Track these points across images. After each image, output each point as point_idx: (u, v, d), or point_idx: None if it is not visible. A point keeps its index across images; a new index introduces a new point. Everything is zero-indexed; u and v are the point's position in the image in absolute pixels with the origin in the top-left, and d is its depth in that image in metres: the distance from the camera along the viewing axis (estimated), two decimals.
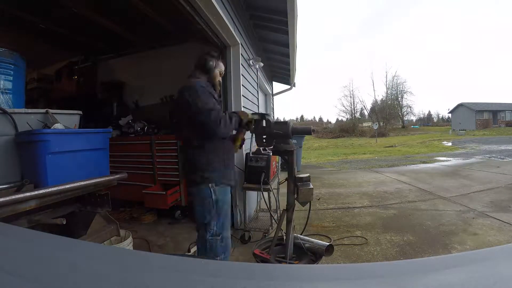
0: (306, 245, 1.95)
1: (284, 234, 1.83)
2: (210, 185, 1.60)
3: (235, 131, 1.84)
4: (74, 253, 0.38)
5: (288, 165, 1.79)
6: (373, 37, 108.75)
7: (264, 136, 1.81)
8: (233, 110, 1.86)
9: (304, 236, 2.12)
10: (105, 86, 4.73)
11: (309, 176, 1.76)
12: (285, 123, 1.77)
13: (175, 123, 1.84)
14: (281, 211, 3.40)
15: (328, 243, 1.96)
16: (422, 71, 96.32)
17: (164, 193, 3.18)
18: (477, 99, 48.94)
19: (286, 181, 1.86)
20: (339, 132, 34.46)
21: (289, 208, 1.77)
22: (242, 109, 3.01)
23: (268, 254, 1.90)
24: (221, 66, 1.96)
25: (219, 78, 1.94)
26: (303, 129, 1.92)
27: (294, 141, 1.96)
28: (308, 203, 1.79)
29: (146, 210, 3.55)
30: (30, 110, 1.62)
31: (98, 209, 1.74)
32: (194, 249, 2.58)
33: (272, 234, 2.73)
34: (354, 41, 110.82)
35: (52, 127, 1.59)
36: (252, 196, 3.45)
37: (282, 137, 1.73)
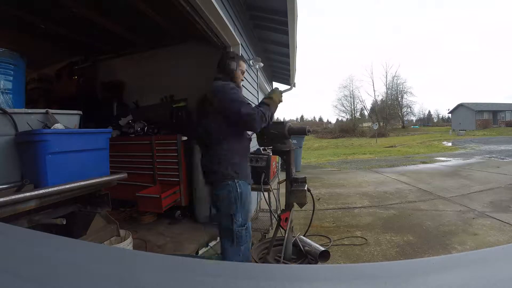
0: (306, 248, 1.93)
1: (285, 234, 1.81)
2: (235, 180, 1.73)
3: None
4: (74, 253, 0.38)
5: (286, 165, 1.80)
6: (373, 37, 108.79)
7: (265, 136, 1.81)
8: (264, 98, 1.85)
9: (306, 238, 2.10)
10: (105, 86, 4.73)
11: (305, 178, 1.74)
12: (281, 123, 1.78)
13: (203, 125, 1.87)
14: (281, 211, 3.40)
15: (323, 249, 1.94)
16: (422, 71, 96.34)
17: (158, 196, 3.05)
18: (477, 99, 48.99)
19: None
20: (339, 132, 34.49)
21: (287, 209, 1.76)
22: None
23: (266, 255, 1.89)
24: (243, 66, 1.99)
25: (242, 77, 2.00)
26: (299, 129, 1.91)
27: (294, 141, 1.96)
28: (312, 205, 1.79)
29: (146, 210, 3.55)
30: (30, 110, 1.62)
31: (98, 209, 1.74)
32: (202, 251, 2.59)
33: (271, 235, 2.73)
34: (354, 41, 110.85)
35: (52, 127, 1.59)
36: (252, 196, 3.45)
37: (279, 137, 1.73)
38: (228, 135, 1.75)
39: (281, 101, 1.85)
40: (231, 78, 1.91)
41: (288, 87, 7.74)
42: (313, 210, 1.92)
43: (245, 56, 3.57)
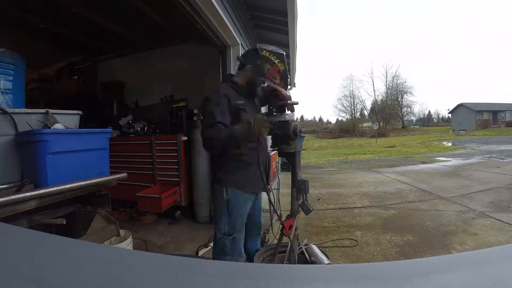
0: (312, 258, 1.90)
1: (290, 242, 1.71)
2: (224, 186, 1.62)
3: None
4: (74, 253, 0.38)
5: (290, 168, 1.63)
6: (373, 37, 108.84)
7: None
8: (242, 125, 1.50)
9: (315, 246, 2.05)
10: (105, 86, 4.74)
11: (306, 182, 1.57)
12: (285, 122, 1.60)
13: None
14: (281, 212, 3.40)
15: (329, 262, 1.90)
16: (422, 71, 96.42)
17: (158, 196, 3.05)
18: (477, 99, 48.96)
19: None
20: (339, 132, 34.51)
21: (292, 216, 1.66)
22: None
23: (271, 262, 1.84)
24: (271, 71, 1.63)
25: (246, 80, 1.67)
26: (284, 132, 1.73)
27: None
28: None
29: (146, 210, 3.55)
30: (30, 110, 1.62)
31: (98, 209, 1.74)
32: (202, 251, 2.59)
33: (271, 235, 2.72)
34: (354, 41, 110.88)
35: (52, 127, 1.58)
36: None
37: (283, 138, 1.62)
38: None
39: (265, 129, 1.48)
40: (234, 81, 1.68)
41: (288, 87, 7.74)
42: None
43: None
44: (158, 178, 3.55)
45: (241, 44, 3.30)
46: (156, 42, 4.27)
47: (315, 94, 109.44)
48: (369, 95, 72.99)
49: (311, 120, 62.48)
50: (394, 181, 5.79)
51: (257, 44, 1.69)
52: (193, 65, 4.09)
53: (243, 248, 1.73)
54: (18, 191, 1.34)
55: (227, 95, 1.56)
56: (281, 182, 3.39)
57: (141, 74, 4.53)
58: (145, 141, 3.63)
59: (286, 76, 1.68)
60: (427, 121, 54.42)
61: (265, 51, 1.63)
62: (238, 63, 1.74)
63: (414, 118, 49.03)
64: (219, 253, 1.65)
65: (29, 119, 1.58)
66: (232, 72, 3.13)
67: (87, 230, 1.75)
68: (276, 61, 1.64)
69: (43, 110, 1.66)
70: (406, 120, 44.78)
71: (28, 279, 0.30)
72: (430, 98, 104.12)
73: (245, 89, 1.67)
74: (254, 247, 1.91)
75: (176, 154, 3.39)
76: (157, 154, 3.53)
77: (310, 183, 1.62)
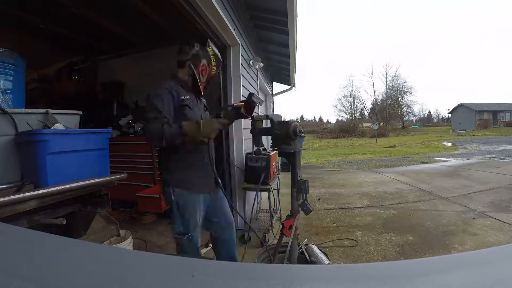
0: (312, 258, 1.91)
1: (289, 242, 1.72)
2: (171, 187, 1.57)
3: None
4: (74, 253, 0.38)
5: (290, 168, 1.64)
6: (373, 37, 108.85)
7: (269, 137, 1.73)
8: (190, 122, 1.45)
9: (315, 246, 2.06)
10: (105, 86, 4.74)
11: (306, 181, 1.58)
12: (285, 122, 1.65)
13: None
14: (280, 212, 3.40)
15: (329, 262, 1.90)
16: (422, 71, 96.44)
17: (158, 196, 2.99)
18: (477, 99, 49.00)
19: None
20: (339, 132, 34.50)
21: (292, 216, 1.66)
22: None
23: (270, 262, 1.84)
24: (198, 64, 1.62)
25: (192, 72, 1.64)
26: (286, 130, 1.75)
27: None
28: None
29: (146, 210, 3.55)
30: (30, 110, 1.62)
31: (98, 209, 1.74)
32: (202, 251, 2.58)
33: (271, 235, 2.72)
34: (354, 41, 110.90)
35: (52, 127, 1.58)
36: (252, 196, 3.46)
37: (283, 138, 1.64)
38: None
39: (215, 131, 1.45)
40: (178, 78, 1.65)
41: (288, 87, 7.74)
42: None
43: (245, 56, 3.56)
44: (158, 178, 3.54)
45: (241, 44, 3.30)
46: (156, 42, 4.27)
47: (315, 94, 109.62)
48: (369, 95, 73.03)
49: (311, 120, 62.50)
50: (394, 181, 5.79)
51: (208, 40, 1.70)
52: None
53: (199, 247, 1.71)
54: (18, 191, 1.34)
55: (171, 90, 1.53)
56: (281, 182, 3.40)
57: (141, 74, 4.53)
58: (145, 141, 3.62)
59: (212, 82, 1.77)
60: (427, 121, 54.43)
61: (210, 48, 1.66)
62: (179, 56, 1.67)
63: (414, 118, 49.07)
64: (180, 251, 1.66)
65: (29, 119, 1.58)
66: (231, 73, 3.14)
67: (87, 230, 1.75)
68: (213, 63, 1.68)
69: (43, 110, 1.66)
70: (406, 120, 44.78)
71: (28, 279, 0.30)
72: (430, 98, 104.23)
73: (189, 84, 1.64)
74: (228, 254, 1.84)
75: None
76: (157, 154, 3.52)
77: (310, 183, 1.61)
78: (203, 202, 1.66)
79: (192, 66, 1.62)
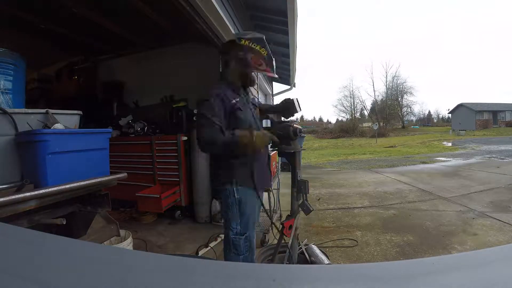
0: (312, 258, 1.91)
1: (289, 242, 1.71)
2: (233, 185, 1.57)
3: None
4: (74, 253, 0.38)
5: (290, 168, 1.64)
6: (373, 37, 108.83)
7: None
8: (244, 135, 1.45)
9: (315, 246, 2.05)
10: (105, 86, 4.74)
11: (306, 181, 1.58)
12: (285, 123, 1.67)
13: None
14: (280, 212, 3.40)
15: (329, 262, 1.90)
16: (422, 71, 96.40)
17: (158, 196, 3.05)
18: (477, 99, 48.95)
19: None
20: (339, 132, 34.54)
21: (292, 216, 1.66)
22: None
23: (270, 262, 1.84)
24: (241, 54, 1.59)
25: (246, 71, 1.63)
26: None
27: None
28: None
29: (146, 210, 3.55)
30: (30, 110, 1.62)
31: (98, 209, 1.74)
32: (202, 251, 2.59)
33: (271, 235, 2.72)
34: (354, 41, 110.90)
35: (52, 127, 1.58)
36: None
37: (284, 138, 1.64)
38: None
39: (265, 144, 1.53)
40: (226, 79, 1.64)
41: (288, 87, 7.73)
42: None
43: None
44: (158, 178, 3.55)
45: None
46: (156, 42, 4.27)
47: (315, 94, 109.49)
48: (369, 95, 72.98)
49: (311, 120, 62.49)
50: (394, 181, 5.79)
51: (234, 33, 1.64)
52: (193, 65, 4.09)
53: (254, 247, 1.70)
54: (18, 191, 1.34)
55: (220, 94, 1.52)
56: (281, 182, 3.40)
57: (141, 74, 4.53)
58: (145, 141, 3.63)
59: (270, 59, 1.64)
60: (427, 121, 54.40)
61: (244, 40, 1.58)
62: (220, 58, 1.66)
63: (414, 118, 49.04)
64: (232, 253, 1.61)
65: (29, 119, 1.58)
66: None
67: (87, 230, 1.75)
68: (258, 47, 1.59)
69: (43, 110, 1.66)
70: (406, 120, 44.78)
71: (28, 279, 0.30)
72: (430, 98, 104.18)
73: (238, 86, 1.63)
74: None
75: (176, 154, 3.39)
76: (157, 154, 3.53)
77: (310, 183, 1.61)
78: (259, 199, 1.67)
79: (239, 65, 1.60)
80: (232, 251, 1.61)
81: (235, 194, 1.56)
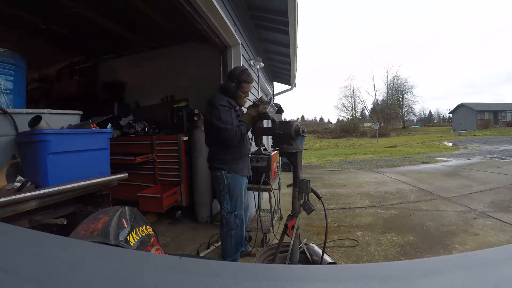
0: (314, 257, 1.90)
1: (291, 241, 1.70)
2: (222, 172, 2.01)
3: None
4: (74, 253, 0.38)
5: (292, 167, 1.65)
6: (374, 37, 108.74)
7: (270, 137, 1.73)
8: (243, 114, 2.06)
9: (315, 246, 2.04)
10: (106, 86, 4.74)
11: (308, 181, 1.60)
12: (287, 122, 1.65)
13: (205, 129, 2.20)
14: (281, 212, 3.40)
15: (331, 260, 1.89)
16: (422, 71, 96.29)
17: (159, 196, 3.07)
18: (478, 99, 48.90)
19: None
20: (340, 132, 34.53)
21: (294, 216, 1.65)
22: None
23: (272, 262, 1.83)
24: (246, 87, 2.10)
25: (244, 98, 2.14)
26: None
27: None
28: (324, 210, 1.64)
29: (147, 210, 3.55)
30: (30, 110, 1.62)
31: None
32: (202, 251, 2.58)
33: (272, 235, 2.72)
34: (354, 41, 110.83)
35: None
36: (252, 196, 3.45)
37: (285, 138, 1.63)
38: (214, 138, 2.01)
39: (258, 112, 1.92)
40: (232, 97, 2.07)
41: (289, 87, 7.74)
42: (326, 217, 1.71)
43: (245, 56, 3.56)
44: (159, 178, 3.55)
45: (242, 44, 3.29)
46: (156, 42, 4.27)
47: (315, 94, 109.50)
48: (369, 95, 73.05)
49: (312, 120, 62.45)
50: (395, 181, 5.78)
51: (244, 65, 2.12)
52: (194, 65, 4.10)
53: (244, 223, 2.16)
54: (19, 191, 1.34)
55: (230, 103, 2.01)
56: (282, 182, 3.39)
57: (142, 74, 4.54)
58: (146, 141, 3.63)
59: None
60: (428, 121, 54.35)
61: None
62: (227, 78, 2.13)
63: (415, 118, 48.97)
64: (224, 229, 2.07)
65: (30, 119, 1.58)
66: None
67: None
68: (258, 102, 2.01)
69: (44, 110, 1.66)
70: (407, 120, 44.69)
71: (28, 279, 0.30)
72: (431, 98, 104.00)
73: (237, 102, 2.13)
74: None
75: (177, 154, 3.39)
76: (158, 154, 3.53)
77: (311, 183, 1.61)
78: (245, 184, 2.17)
79: (239, 85, 2.07)
80: (224, 227, 2.07)
81: (225, 180, 2.01)
